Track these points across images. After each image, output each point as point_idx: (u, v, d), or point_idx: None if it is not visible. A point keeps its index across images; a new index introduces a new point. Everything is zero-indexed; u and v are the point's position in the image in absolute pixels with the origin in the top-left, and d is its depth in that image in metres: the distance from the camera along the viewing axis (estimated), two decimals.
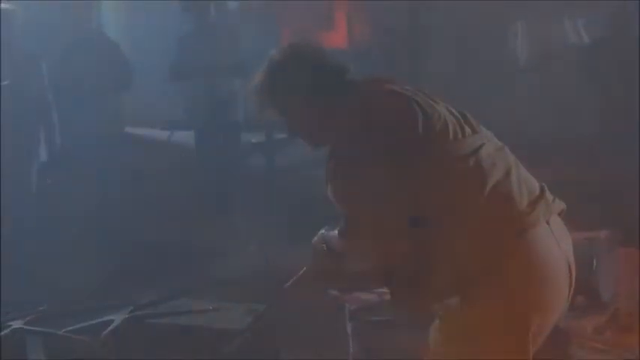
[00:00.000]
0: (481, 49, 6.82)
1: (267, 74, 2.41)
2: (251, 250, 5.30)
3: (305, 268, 2.57)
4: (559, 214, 2.29)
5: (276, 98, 2.40)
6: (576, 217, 2.40)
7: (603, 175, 5.00)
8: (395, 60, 6.61)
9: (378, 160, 2.14)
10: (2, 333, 3.59)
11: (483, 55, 6.75)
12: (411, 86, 2.32)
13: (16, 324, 3.67)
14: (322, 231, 2.47)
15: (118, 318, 3.61)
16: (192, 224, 5.63)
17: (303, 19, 6.95)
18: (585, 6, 6.66)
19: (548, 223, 2.21)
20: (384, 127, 2.18)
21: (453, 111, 2.28)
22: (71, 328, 3.58)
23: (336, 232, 2.34)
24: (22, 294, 4.37)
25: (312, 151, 2.43)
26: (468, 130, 2.24)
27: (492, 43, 6.99)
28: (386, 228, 2.15)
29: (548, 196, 2.27)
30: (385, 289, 2.41)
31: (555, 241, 2.20)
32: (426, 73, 6.46)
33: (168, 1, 6.91)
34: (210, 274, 4.80)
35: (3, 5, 5.66)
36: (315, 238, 2.49)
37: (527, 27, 7.11)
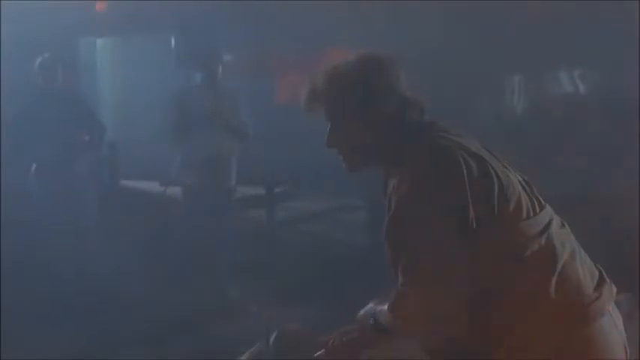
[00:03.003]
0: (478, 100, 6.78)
1: (341, 71, 2.13)
2: (252, 312, 5.17)
3: (334, 338, 2.40)
4: None
5: (339, 99, 2.12)
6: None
7: (617, 233, 4.90)
8: None
9: (446, 230, 1.94)
10: None
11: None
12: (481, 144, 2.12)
13: None
14: (370, 304, 2.24)
15: None
16: (190, 283, 5.49)
17: (301, 74, 6.91)
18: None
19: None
20: (458, 191, 1.96)
21: (520, 179, 2.10)
22: None
23: (385, 307, 2.11)
24: None
25: (347, 171, 2.20)
26: (537, 205, 2.06)
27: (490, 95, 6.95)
28: (444, 306, 1.95)
29: (608, 279, 2.12)
30: None
31: (615, 326, 2.07)
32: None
33: (164, 56, 6.89)
34: (210, 339, 4.67)
35: None
36: (362, 312, 2.25)
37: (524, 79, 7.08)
